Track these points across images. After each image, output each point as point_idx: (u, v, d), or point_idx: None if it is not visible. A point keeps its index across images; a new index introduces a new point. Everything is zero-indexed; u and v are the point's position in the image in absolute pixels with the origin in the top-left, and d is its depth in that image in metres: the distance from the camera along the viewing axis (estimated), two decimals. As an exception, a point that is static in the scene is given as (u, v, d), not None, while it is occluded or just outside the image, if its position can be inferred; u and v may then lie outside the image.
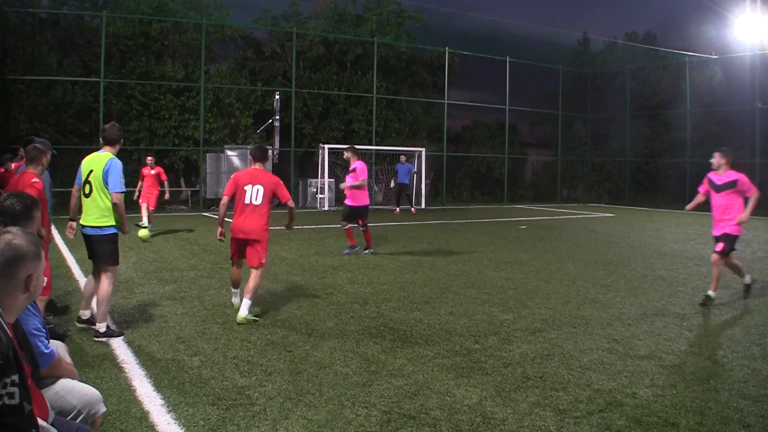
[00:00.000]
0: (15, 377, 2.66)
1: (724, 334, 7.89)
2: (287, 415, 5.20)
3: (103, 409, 3.91)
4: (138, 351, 6.91)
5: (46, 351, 3.72)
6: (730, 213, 9.69)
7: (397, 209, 27.88)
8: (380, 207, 29.82)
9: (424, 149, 32.21)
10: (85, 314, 7.92)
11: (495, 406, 5.43)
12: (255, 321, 8.15)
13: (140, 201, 17.80)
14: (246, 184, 8.50)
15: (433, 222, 23.57)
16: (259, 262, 8.46)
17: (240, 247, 8.61)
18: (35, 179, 7.41)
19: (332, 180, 29.51)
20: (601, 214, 28.92)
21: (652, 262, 13.82)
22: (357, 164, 14.33)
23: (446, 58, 35.80)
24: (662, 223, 23.73)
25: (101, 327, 7.46)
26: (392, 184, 29.26)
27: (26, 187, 7.24)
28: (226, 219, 8.67)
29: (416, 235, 18.40)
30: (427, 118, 37.24)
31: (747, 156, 31.22)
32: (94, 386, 4.04)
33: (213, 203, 28.79)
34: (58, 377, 3.83)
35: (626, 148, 38.73)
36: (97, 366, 6.40)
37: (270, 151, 8.21)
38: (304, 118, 32.75)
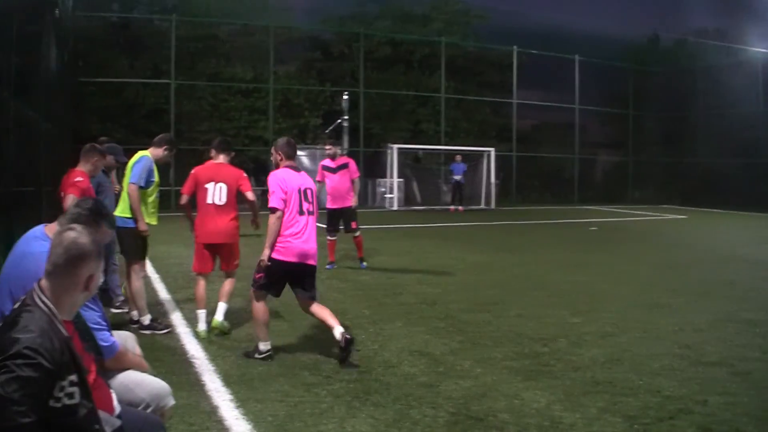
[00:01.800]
0: (73, 377, 2.68)
1: (800, 341, 7.71)
2: (354, 414, 5.25)
3: (172, 401, 3.91)
4: (208, 347, 7.07)
5: (107, 344, 3.72)
6: None
7: (453, 207, 27.97)
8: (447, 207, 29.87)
9: (493, 149, 32.05)
10: (134, 315, 7.97)
11: (563, 411, 5.42)
12: (227, 333, 7.61)
13: None
14: (207, 182, 7.77)
15: (501, 223, 23.49)
16: (235, 266, 8.05)
17: (210, 254, 7.97)
18: (79, 177, 7.61)
19: (401, 180, 29.59)
20: (673, 216, 28.40)
21: (723, 266, 13.56)
22: (349, 159, 12.89)
23: (514, 57, 35.50)
24: (734, 226, 23.21)
25: (145, 320, 7.69)
26: (452, 181, 29.23)
27: (69, 186, 7.53)
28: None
29: (484, 236, 18.38)
30: (495, 117, 37.04)
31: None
32: (163, 379, 4.08)
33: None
34: (125, 369, 3.85)
35: (698, 148, 37.89)
36: (167, 360, 6.56)
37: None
38: (371, 118, 32.91)
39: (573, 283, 11.37)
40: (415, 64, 34.94)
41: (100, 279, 3.01)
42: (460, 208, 28.11)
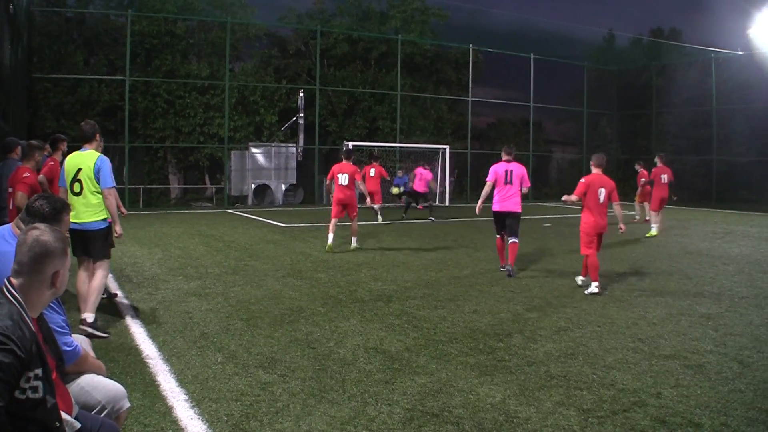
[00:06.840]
0: (38, 371, 2.73)
1: (750, 334, 7.80)
2: (310, 412, 5.22)
3: (128, 404, 3.91)
4: (162, 346, 6.97)
5: (70, 348, 3.74)
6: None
7: (420, 206, 27.36)
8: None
9: (448, 147, 32.17)
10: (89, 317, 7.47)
11: (518, 405, 5.43)
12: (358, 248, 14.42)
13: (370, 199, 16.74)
14: (339, 173, 14.23)
15: (457, 220, 23.53)
16: (355, 215, 14.60)
17: (341, 208, 14.34)
18: (26, 174, 8.00)
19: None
20: (627, 212, 28.68)
21: (677, 261, 13.74)
22: (520, 168, 12.09)
23: (470, 55, 35.70)
24: (688, 222, 23.50)
25: (89, 317, 7.33)
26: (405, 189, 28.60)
27: (18, 183, 7.92)
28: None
29: (441, 233, 18.39)
30: (451, 115, 37.17)
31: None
32: (118, 381, 4.07)
33: (237, 200, 29.01)
34: (84, 373, 3.85)
35: (652, 146, 38.43)
36: (121, 361, 6.45)
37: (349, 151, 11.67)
38: (328, 116, 32.86)
39: (528, 278, 11.42)
40: (372, 61, 34.93)
41: (66, 276, 3.08)
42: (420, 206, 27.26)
